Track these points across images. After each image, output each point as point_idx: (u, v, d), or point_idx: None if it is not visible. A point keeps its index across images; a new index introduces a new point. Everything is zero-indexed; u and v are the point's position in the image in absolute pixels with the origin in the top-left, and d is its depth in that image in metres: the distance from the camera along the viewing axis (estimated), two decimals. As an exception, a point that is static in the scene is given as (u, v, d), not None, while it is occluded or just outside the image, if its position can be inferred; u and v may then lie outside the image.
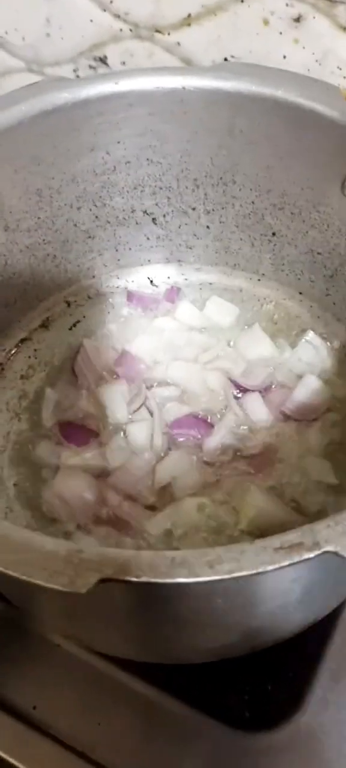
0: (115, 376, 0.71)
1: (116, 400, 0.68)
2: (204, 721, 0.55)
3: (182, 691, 0.57)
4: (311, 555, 0.36)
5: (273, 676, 0.57)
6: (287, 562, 0.35)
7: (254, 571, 0.35)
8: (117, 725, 0.56)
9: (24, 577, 0.35)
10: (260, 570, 0.35)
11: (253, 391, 0.67)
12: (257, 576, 0.36)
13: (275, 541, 0.36)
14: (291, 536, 0.36)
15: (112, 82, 0.64)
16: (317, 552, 0.35)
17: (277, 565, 0.35)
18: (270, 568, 0.35)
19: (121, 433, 0.66)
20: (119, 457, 0.64)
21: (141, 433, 0.66)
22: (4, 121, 0.60)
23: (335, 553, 0.35)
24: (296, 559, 0.35)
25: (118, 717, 0.56)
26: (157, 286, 0.80)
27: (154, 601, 0.40)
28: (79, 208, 0.72)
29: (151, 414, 0.67)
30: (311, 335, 0.71)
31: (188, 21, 0.75)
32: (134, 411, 0.67)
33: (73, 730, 0.55)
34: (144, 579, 0.35)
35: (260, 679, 0.57)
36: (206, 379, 0.69)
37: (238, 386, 0.68)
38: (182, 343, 0.74)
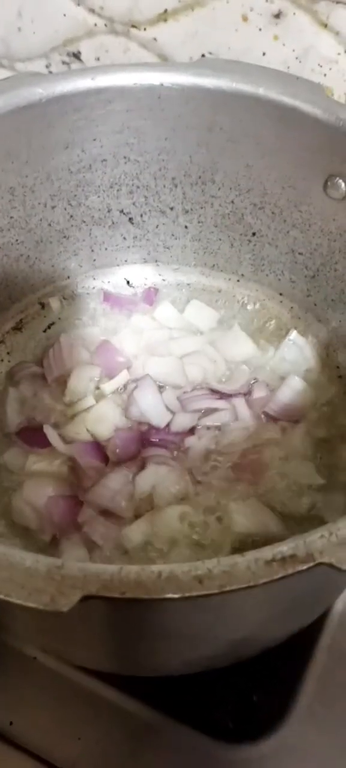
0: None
1: (83, 382, 0.67)
2: (187, 733, 0.54)
3: (165, 703, 0.55)
4: (304, 567, 0.34)
5: (258, 686, 0.56)
6: (279, 575, 0.34)
7: (244, 585, 0.34)
8: (98, 739, 0.54)
9: (1, 596, 0.33)
10: (252, 583, 0.34)
11: (236, 394, 0.66)
12: (248, 589, 0.34)
13: (267, 552, 0.35)
14: (283, 548, 0.35)
15: (89, 77, 0.62)
16: (310, 564, 0.34)
17: (269, 578, 0.34)
18: (262, 581, 0.34)
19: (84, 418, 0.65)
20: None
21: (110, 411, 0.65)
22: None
23: (331, 565, 0.34)
24: (290, 571, 0.34)
25: (98, 731, 0.55)
26: (134, 287, 0.78)
27: (140, 617, 0.38)
28: (53, 207, 0.70)
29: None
30: (294, 335, 0.70)
31: (164, 16, 0.73)
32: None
33: (52, 745, 0.54)
34: (129, 596, 0.34)
35: (244, 689, 0.56)
36: (187, 375, 0.68)
37: (219, 393, 0.66)
38: (162, 341, 0.72)
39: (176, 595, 0.34)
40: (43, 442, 0.63)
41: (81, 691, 0.56)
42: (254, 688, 0.56)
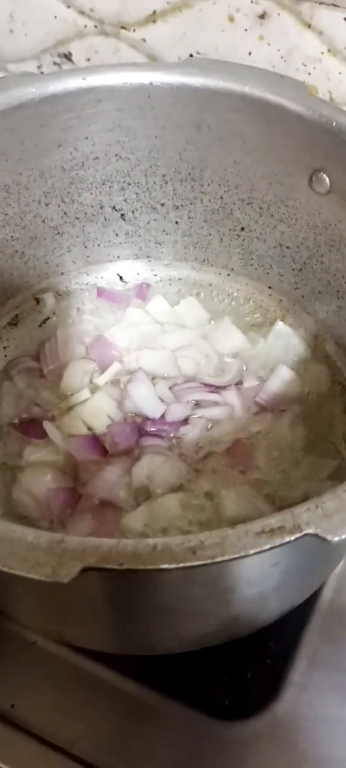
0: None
1: (78, 375, 0.69)
2: (185, 712, 0.56)
3: (162, 683, 0.57)
4: (292, 537, 0.36)
5: (252, 663, 0.58)
6: (268, 545, 0.36)
7: (236, 555, 0.36)
8: (97, 720, 0.56)
9: (5, 569, 0.35)
10: (242, 554, 0.36)
11: (227, 385, 0.68)
12: (239, 560, 0.36)
13: (256, 525, 0.37)
14: (272, 520, 0.37)
15: (80, 77, 0.63)
16: (297, 534, 0.36)
17: (258, 549, 0.36)
18: (252, 551, 0.36)
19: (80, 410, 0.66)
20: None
21: (105, 404, 0.66)
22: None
23: (316, 535, 0.36)
24: (278, 542, 0.36)
25: (97, 712, 0.56)
26: (126, 282, 0.80)
27: (137, 589, 0.40)
28: (47, 204, 0.72)
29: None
30: (280, 326, 0.72)
31: (153, 17, 0.75)
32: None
33: (53, 726, 0.55)
34: (127, 566, 0.35)
35: (238, 667, 0.58)
36: (180, 367, 0.70)
37: (212, 385, 0.68)
38: (154, 335, 0.74)
39: (170, 566, 0.35)
40: (40, 434, 0.65)
41: (81, 673, 0.57)
42: (248, 666, 0.58)
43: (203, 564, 0.36)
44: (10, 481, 0.63)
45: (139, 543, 0.36)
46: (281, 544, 0.36)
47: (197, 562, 0.35)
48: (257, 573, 0.42)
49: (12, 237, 0.72)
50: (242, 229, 0.74)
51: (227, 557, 0.36)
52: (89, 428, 0.66)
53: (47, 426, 0.65)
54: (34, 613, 0.52)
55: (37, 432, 0.66)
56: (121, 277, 0.80)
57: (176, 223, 0.77)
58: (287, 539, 0.36)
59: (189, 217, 0.76)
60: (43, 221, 0.73)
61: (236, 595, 0.44)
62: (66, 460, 0.64)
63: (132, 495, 0.61)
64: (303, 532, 0.36)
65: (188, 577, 0.39)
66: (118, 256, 0.80)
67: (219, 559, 0.35)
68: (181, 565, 0.35)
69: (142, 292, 0.78)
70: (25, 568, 0.35)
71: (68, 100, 0.64)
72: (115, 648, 0.53)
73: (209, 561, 0.36)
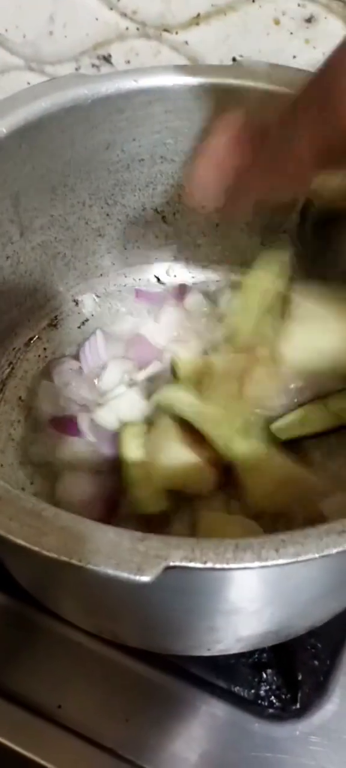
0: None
1: (117, 374, 0.70)
2: (233, 712, 0.56)
3: (210, 683, 0.57)
4: (373, 538, 0.36)
5: (300, 664, 0.58)
6: (351, 545, 0.36)
7: (318, 555, 0.36)
8: (145, 721, 0.56)
9: (90, 566, 0.35)
10: (325, 552, 0.36)
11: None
12: (318, 560, 0.36)
13: (338, 525, 0.37)
14: (352, 520, 0.37)
15: (132, 79, 0.64)
16: (380, 534, 0.36)
17: (341, 548, 0.36)
18: (335, 551, 0.36)
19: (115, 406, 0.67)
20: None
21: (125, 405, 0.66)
22: (26, 117, 0.60)
23: None
24: (360, 541, 0.36)
25: (146, 712, 0.56)
26: (164, 284, 0.80)
27: (210, 589, 0.40)
28: (91, 206, 0.72)
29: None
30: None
31: (196, 20, 0.75)
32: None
33: (100, 727, 0.55)
34: (210, 565, 0.36)
35: (289, 667, 0.58)
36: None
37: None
38: (190, 329, 0.74)
39: (253, 564, 0.36)
40: (76, 430, 0.65)
41: (127, 673, 0.57)
42: (297, 666, 0.58)
43: (285, 563, 0.36)
44: (53, 481, 0.64)
45: (222, 542, 0.36)
46: (362, 544, 0.36)
47: (281, 561, 0.36)
48: (329, 572, 0.43)
49: (55, 238, 0.72)
50: (284, 231, 0.75)
51: (310, 556, 0.36)
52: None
53: (81, 421, 0.66)
54: (91, 611, 0.52)
55: (72, 429, 0.66)
56: (158, 279, 0.81)
57: (216, 225, 0.77)
58: (368, 539, 0.36)
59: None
60: (86, 223, 0.73)
61: (303, 594, 0.45)
62: (100, 457, 0.64)
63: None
64: None
65: (264, 575, 0.39)
66: (157, 258, 0.80)
67: (302, 558, 0.36)
68: (264, 563, 0.36)
69: (180, 292, 0.79)
70: (111, 565, 0.35)
71: (120, 102, 0.64)
72: (170, 649, 0.53)
73: (291, 560, 0.36)
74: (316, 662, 0.59)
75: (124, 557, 0.36)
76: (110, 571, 0.35)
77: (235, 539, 0.36)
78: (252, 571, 0.36)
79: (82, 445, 0.65)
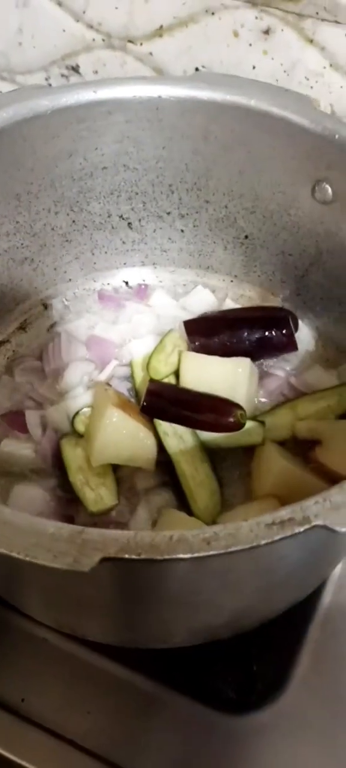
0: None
1: (78, 375, 0.71)
2: (192, 705, 0.57)
3: (170, 677, 0.58)
4: (302, 529, 0.38)
5: (258, 658, 0.60)
6: (279, 537, 0.38)
7: (247, 546, 0.38)
8: (107, 713, 0.57)
9: (28, 558, 0.37)
10: (254, 544, 0.37)
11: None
12: (250, 551, 0.38)
13: (268, 517, 0.38)
14: (282, 513, 0.39)
15: (91, 90, 0.66)
16: (307, 526, 0.38)
17: (269, 539, 0.38)
18: (263, 542, 0.38)
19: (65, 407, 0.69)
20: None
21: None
22: (-14, 127, 0.62)
23: (325, 527, 0.38)
24: (288, 533, 0.38)
25: (107, 705, 0.57)
26: (132, 288, 0.82)
27: (152, 580, 0.42)
28: (56, 213, 0.74)
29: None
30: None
31: (160, 32, 0.77)
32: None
33: (63, 720, 0.56)
34: (144, 556, 0.37)
35: (245, 661, 0.59)
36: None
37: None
38: (147, 323, 0.77)
39: (186, 555, 0.37)
40: (24, 427, 0.68)
41: (89, 668, 0.58)
42: (254, 660, 0.60)
43: (216, 554, 0.37)
44: (8, 487, 0.65)
45: (157, 534, 0.38)
46: (292, 535, 0.38)
47: (212, 552, 0.37)
48: (266, 564, 0.44)
49: (22, 244, 0.74)
50: (246, 237, 0.76)
51: (240, 547, 0.37)
52: None
53: (28, 417, 0.68)
54: (49, 605, 0.54)
55: (21, 425, 0.68)
56: (127, 283, 0.82)
57: (182, 231, 0.79)
58: (297, 530, 0.38)
59: (194, 226, 0.78)
60: (53, 229, 0.75)
61: (245, 587, 0.46)
62: (42, 456, 0.66)
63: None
64: (312, 524, 0.38)
65: (201, 567, 0.41)
66: (125, 263, 0.82)
67: (232, 549, 0.37)
68: (196, 554, 0.37)
69: (142, 292, 0.81)
70: (49, 557, 0.37)
71: (80, 112, 0.66)
72: (126, 641, 0.55)
73: (222, 551, 0.37)
74: (274, 656, 0.60)
75: (62, 549, 0.37)
76: (48, 563, 0.37)
77: (170, 532, 0.38)
78: (186, 563, 0.38)
79: (23, 441, 0.67)
